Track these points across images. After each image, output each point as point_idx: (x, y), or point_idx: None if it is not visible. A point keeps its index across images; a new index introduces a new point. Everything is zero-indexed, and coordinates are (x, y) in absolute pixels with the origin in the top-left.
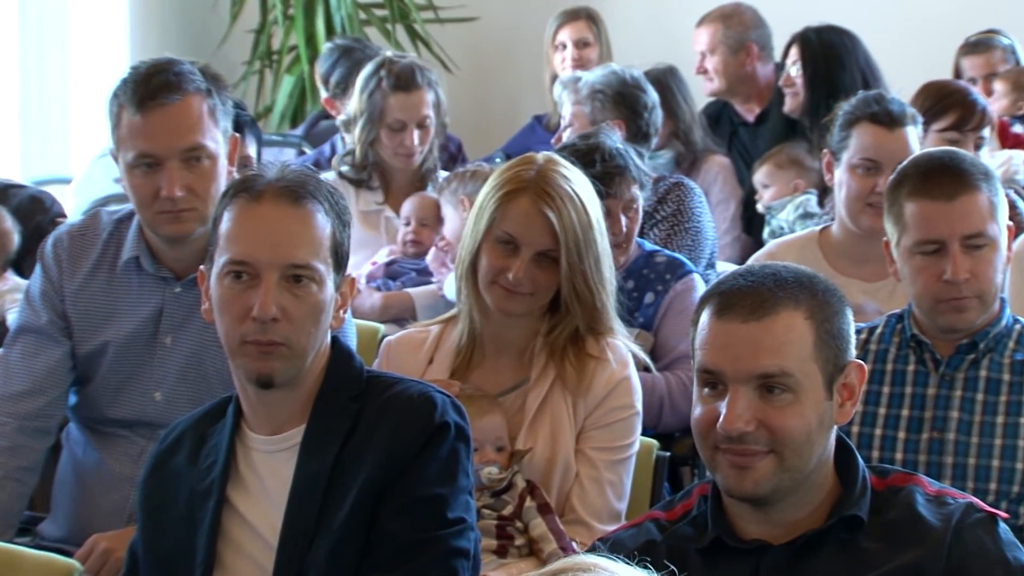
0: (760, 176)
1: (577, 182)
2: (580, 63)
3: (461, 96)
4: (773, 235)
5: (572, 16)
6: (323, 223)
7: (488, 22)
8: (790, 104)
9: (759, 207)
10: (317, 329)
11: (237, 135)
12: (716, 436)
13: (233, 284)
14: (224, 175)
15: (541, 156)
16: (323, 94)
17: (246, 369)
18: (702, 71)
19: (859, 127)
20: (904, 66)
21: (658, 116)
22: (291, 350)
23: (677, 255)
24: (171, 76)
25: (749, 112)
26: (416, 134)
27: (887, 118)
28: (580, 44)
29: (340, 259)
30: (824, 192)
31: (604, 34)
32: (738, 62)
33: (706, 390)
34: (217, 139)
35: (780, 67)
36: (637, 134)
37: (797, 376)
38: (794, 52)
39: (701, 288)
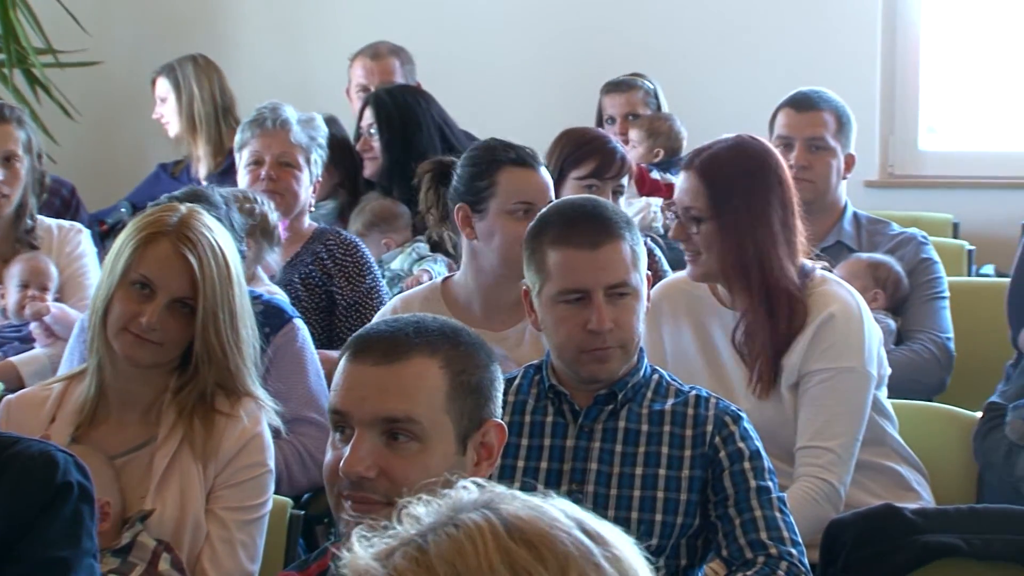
0: (354, 230)
1: (219, 234)
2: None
3: (85, 143)
4: (391, 284)
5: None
6: None
7: (112, 67)
8: (370, 169)
9: None
10: None
11: None
12: (342, 483)
13: None
14: None
15: (184, 205)
16: None
17: None
18: None
19: (504, 173)
20: (544, 112)
21: None
22: None
23: (275, 299)
24: None
25: None
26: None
27: (532, 160)
28: (160, 100)
29: None
30: (439, 241)
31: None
32: None
33: (337, 435)
34: None
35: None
36: None
37: (425, 425)
38: (368, 115)
39: (305, 333)
